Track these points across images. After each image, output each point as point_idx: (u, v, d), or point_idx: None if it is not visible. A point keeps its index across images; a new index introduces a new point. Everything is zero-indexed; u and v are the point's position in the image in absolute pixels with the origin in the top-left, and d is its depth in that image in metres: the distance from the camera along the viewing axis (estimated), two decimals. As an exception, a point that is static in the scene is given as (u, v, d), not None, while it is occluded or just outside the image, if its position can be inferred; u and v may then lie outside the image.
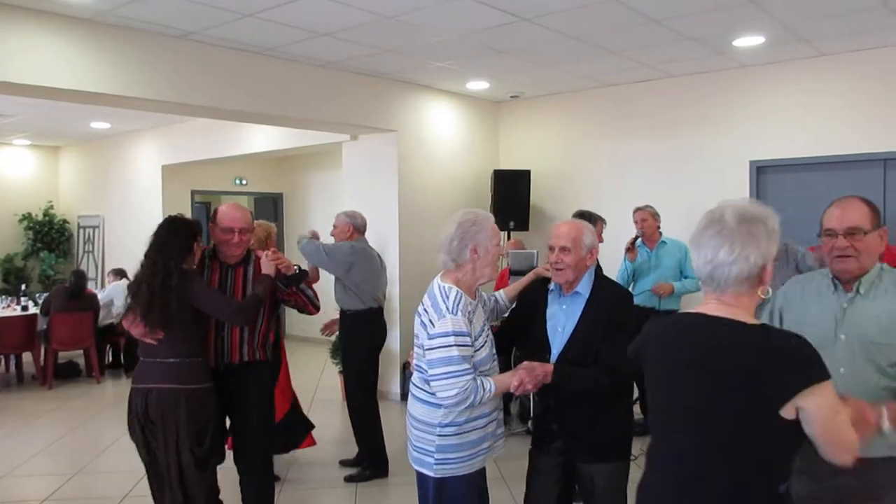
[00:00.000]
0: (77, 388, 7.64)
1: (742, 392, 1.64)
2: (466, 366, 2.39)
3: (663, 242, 5.61)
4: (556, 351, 2.66)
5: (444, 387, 2.38)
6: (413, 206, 7.05)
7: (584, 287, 2.69)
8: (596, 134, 7.30)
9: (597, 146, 7.29)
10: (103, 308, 8.10)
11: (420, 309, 2.57)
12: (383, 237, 6.89)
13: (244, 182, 10.33)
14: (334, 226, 5.03)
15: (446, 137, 7.48)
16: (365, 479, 4.74)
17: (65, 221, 10.98)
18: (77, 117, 8.52)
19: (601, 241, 4.40)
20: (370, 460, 4.83)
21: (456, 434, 2.47)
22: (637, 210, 5.68)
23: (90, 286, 9.17)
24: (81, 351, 7.98)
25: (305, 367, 8.19)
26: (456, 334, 2.39)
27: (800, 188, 6.13)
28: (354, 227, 4.92)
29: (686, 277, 5.49)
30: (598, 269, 2.82)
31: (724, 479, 1.68)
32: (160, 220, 3.30)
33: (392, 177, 6.94)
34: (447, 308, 2.43)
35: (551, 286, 2.78)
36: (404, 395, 6.89)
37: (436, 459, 2.48)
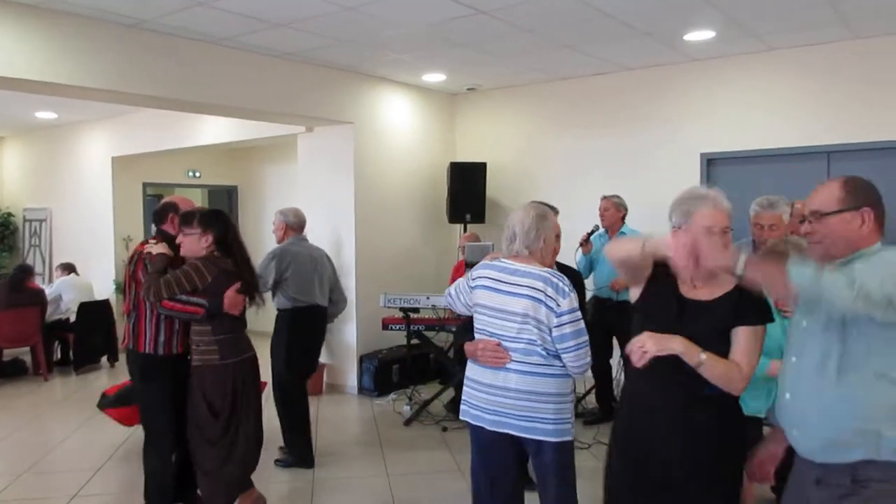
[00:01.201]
0: (23, 386, 7.42)
1: None
2: (587, 336, 2.76)
3: (622, 233, 5.65)
4: None
5: (581, 355, 2.73)
6: (369, 198, 7.02)
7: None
8: (551, 127, 7.37)
9: (552, 139, 7.36)
10: (51, 303, 7.87)
11: (531, 294, 2.74)
12: (339, 230, 6.85)
13: (198, 174, 10.14)
14: (273, 223, 5.01)
15: (403, 130, 7.47)
16: (287, 466, 4.80)
17: (9, 214, 10.62)
18: (21, 107, 8.24)
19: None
20: (289, 448, 4.88)
21: None
22: (603, 198, 5.71)
23: (38, 281, 8.91)
24: (28, 348, 7.74)
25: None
26: (579, 310, 2.76)
27: (748, 180, 6.29)
28: (287, 226, 4.88)
29: None
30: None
31: None
32: (206, 214, 3.71)
33: (348, 169, 6.90)
34: (568, 288, 2.74)
35: None
36: (362, 389, 6.87)
37: (571, 424, 2.83)
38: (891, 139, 5.62)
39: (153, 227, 3.97)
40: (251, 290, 3.74)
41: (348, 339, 6.93)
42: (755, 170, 6.29)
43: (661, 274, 2.36)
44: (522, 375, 2.74)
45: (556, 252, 2.98)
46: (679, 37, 5.67)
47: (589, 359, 2.76)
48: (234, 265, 3.65)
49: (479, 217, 7.38)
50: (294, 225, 4.91)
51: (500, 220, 7.56)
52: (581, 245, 5.62)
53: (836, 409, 1.95)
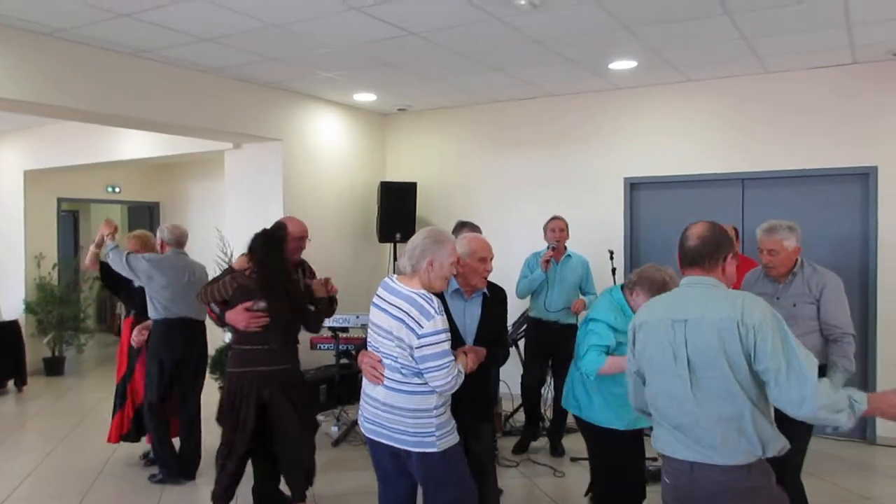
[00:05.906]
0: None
1: None
2: (451, 356, 2.82)
3: (568, 256, 5.52)
4: (470, 339, 3.23)
5: (440, 376, 2.77)
6: (298, 216, 6.89)
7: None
8: (480, 148, 7.48)
9: (481, 160, 7.47)
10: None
11: (396, 314, 2.82)
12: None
13: (117, 190, 9.79)
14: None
15: (333, 148, 7.42)
16: (160, 482, 4.88)
17: None
18: (-76, 116, 7.79)
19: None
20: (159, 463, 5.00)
21: (445, 412, 2.92)
22: (554, 219, 5.51)
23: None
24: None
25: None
26: (445, 331, 2.79)
27: (668, 204, 6.54)
28: (164, 241, 5.09)
29: (586, 294, 5.46)
30: None
31: None
32: (255, 234, 4.00)
33: (276, 187, 6.80)
34: (434, 311, 2.77)
35: (454, 288, 3.26)
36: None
37: (437, 437, 2.86)
38: (800, 167, 5.95)
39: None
40: (272, 310, 3.84)
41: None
42: (675, 194, 6.54)
43: None
44: (387, 390, 2.88)
45: (478, 273, 3.21)
46: (604, 65, 5.86)
47: (450, 379, 2.77)
48: (256, 284, 3.84)
49: (409, 236, 7.31)
50: (170, 240, 5.08)
51: (430, 239, 7.60)
52: (546, 262, 5.37)
53: None
